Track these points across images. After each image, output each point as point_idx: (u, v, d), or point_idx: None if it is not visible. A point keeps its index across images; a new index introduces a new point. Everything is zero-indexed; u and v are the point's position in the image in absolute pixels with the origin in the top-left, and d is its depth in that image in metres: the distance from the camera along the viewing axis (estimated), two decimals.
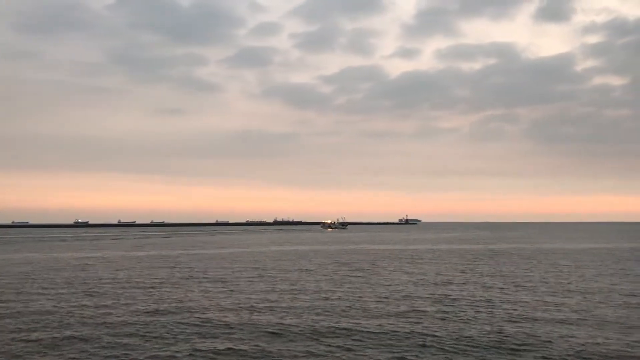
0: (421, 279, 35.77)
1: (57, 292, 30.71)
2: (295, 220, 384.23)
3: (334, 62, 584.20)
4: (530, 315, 22.78)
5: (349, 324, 20.99)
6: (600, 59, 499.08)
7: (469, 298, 27.46)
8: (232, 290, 30.64)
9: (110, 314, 23.62)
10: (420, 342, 18.19)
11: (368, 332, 19.71)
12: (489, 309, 24.13)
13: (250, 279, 36.14)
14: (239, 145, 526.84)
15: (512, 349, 17.26)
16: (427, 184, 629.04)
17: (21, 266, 48.54)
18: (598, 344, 17.82)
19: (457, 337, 18.89)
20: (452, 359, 16.37)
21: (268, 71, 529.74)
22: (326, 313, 23.41)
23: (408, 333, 19.50)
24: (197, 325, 21.12)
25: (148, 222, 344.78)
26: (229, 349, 17.54)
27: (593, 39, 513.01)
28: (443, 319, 21.99)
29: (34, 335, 19.57)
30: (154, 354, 17.04)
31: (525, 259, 54.19)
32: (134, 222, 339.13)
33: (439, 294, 28.76)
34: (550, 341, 18.17)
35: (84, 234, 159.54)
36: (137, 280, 36.18)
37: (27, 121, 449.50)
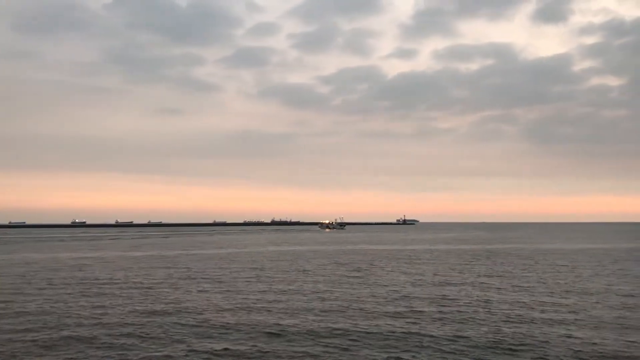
0: (419, 280, 35.78)
1: (55, 292, 30.62)
2: (293, 220, 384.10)
3: (332, 62, 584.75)
4: (527, 315, 22.79)
5: (347, 325, 20.98)
6: (598, 60, 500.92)
7: (467, 298, 27.47)
8: (229, 291, 30.60)
9: (108, 314, 23.56)
10: (418, 343, 18.19)
11: (366, 332, 19.70)
12: (487, 310, 24.14)
13: (248, 280, 36.10)
14: (237, 145, 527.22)
15: (510, 349, 17.27)
16: (425, 184, 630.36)
17: (18, 266, 48.40)
18: (595, 344, 17.84)
19: (454, 337, 18.88)
20: (449, 359, 16.37)
21: (266, 71, 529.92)
22: (324, 313, 23.40)
23: (405, 333, 19.50)
24: (195, 325, 21.09)
25: (146, 222, 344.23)
26: (227, 349, 17.51)
27: (590, 39, 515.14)
28: (440, 319, 21.99)
29: (31, 336, 19.51)
30: (151, 354, 17.00)
31: (522, 259, 54.25)
32: (132, 222, 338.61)
33: (436, 295, 28.76)
34: (547, 341, 18.19)
35: (82, 234, 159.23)
36: (134, 280, 36.12)
37: (26, 121, 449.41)
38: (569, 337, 18.83)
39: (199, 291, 30.56)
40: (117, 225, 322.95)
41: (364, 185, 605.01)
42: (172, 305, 25.81)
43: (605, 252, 65.03)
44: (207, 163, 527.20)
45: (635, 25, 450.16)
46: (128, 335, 19.53)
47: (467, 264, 47.98)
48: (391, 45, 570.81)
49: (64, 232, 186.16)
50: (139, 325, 21.21)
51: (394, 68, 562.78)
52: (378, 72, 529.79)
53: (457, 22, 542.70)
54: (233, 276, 38.32)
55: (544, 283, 33.72)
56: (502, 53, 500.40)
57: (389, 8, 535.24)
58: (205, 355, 16.87)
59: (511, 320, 21.83)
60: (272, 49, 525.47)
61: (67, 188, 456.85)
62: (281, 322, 21.57)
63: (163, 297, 28.28)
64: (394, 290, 30.37)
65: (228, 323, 21.41)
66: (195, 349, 17.58)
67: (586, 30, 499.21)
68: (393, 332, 19.65)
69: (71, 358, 16.71)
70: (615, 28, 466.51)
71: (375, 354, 16.89)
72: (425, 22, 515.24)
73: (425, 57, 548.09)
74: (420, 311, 23.83)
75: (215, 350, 17.41)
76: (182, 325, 21.17)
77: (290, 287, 31.92)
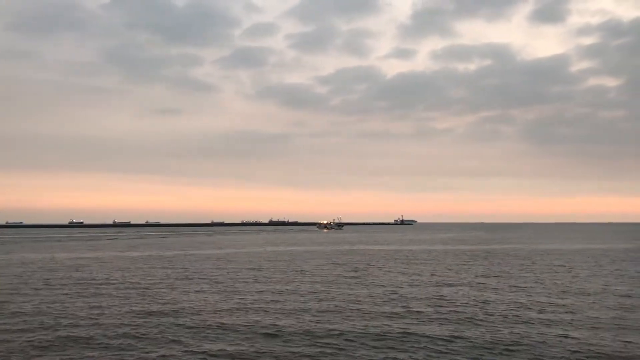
0: (416, 280, 35.77)
1: (51, 292, 30.54)
2: (290, 220, 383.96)
3: (330, 62, 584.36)
4: (524, 315, 22.80)
5: (344, 325, 20.95)
6: (595, 60, 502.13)
7: (464, 299, 27.47)
8: (227, 291, 30.55)
9: (104, 314, 23.50)
10: (415, 343, 18.18)
11: (362, 332, 19.68)
12: (484, 310, 24.14)
13: (245, 280, 36.05)
14: (235, 145, 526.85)
15: (507, 350, 17.26)
16: (423, 184, 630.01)
17: (15, 267, 48.27)
18: (592, 344, 17.85)
19: (451, 337, 18.87)
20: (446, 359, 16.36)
21: (263, 72, 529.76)
22: (321, 314, 23.37)
23: (402, 334, 19.48)
24: (192, 326, 21.03)
25: (143, 222, 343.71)
26: (223, 350, 17.47)
27: (588, 40, 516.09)
28: (438, 320, 21.98)
29: (27, 336, 19.44)
30: (147, 355, 16.96)
31: (520, 259, 54.29)
32: (129, 222, 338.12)
33: (433, 295, 28.75)
34: (544, 342, 18.19)
35: (79, 235, 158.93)
36: (131, 280, 36.04)
37: (25, 121, 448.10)
38: (566, 337, 18.83)
39: (196, 291, 30.50)
40: (115, 225, 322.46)
41: (363, 185, 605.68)
42: (169, 305, 25.75)
43: (603, 253, 65.12)
44: (205, 163, 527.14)
45: (633, 26, 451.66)
46: (125, 335, 19.47)
47: (464, 264, 47.99)
48: (389, 46, 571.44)
49: (61, 233, 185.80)
50: (136, 325, 21.15)
51: (393, 68, 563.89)
52: (376, 73, 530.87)
53: (455, 22, 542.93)
54: (230, 276, 38.27)
55: (541, 283, 33.74)
56: (500, 53, 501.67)
57: (387, 8, 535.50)
58: (202, 356, 16.82)
59: (508, 320, 21.83)
60: (270, 49, 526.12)
61: (66, 188, 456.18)
62: (278, 322, 21.54)
63: (160, 298, 28.22)
64: (391, 291, 30.35)
65: (225, 323, 21.37)
66: (192, 349, 17.54)
67: (584, 30, 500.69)
68: (390, 333, 19.63)
69: (68, 359, 16.66)
70: (613, 29, 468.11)
71: (372, 354, 16.87)
72: (423, 23, 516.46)
73: (424, 57, 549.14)
74: (417, 311, 23.82)
75: (212, 350, 17.37)
76: (179, 325, 21.12)
77: (288, 288, 31.88)
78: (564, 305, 25.32)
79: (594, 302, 26.21)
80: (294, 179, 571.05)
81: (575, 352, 16.97)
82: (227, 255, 62.40)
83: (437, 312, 23.77)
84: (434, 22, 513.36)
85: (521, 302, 26.25)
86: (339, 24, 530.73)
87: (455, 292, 29.76)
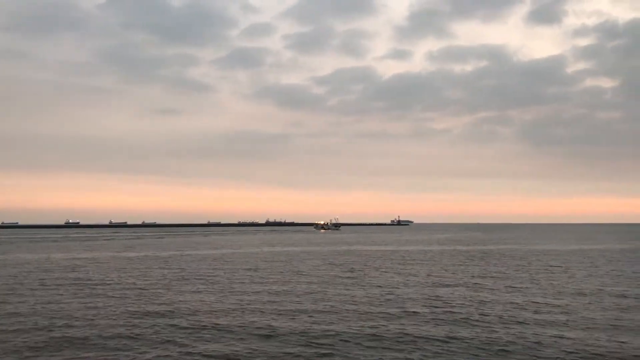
0: (412, 280, 35.79)
1: (47, 293, 30.42)
2: (287, 221, 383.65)
3: (327, 63, 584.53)
4: (520, 316, 22.83)
5: (340, 326, 20.94)
6: (591, 62, 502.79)
7: (460, 299, 27.50)
8: (223, 292, 30.50)
9: (100, 315, 23.42)
10: (411, 343, 18.18)
11: (359, 333, 19.67)
12: (480, 310, 24.17)
13: (242, 281, 36.00)
14: (233, 146, 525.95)
15: (502, 350, 17.29)
16: (420, 184, 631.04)
17: (10, 267, 48.08)
18: (588, 345, 17.89)
19: (447, 338, 18.89)
20: None
21: (261, 72, 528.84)
22: (317, 314, 23.35)
23: (398, 334, 19.48)
24: (187, 327, 20.99)
25: (140, 222, 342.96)
26: (219, 350, 17.44)
27: (584, 41, 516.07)
28: (433, 320, 21.99)
29: (22, 337, 19.36)
30: (143, 355, 16.91)
31: (516, 260, 54.39)
32: (126, 222, 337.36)
33: (429, 295, 28.77)
34: (540, 342, 18.22)
35: (75, 235, 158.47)
36: (127, 281, 35.95)
37: (22, 121, 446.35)
38: (562, 337, 18.87)
39: (193, 292, 30.45)
40: (111, 225, 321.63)
41: (360, 186, 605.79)
42: (165, 306, 25.70)
43: (600, 253, 65.30)
44: (202, 163, 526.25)
45: (628, 28, 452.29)
46: (120, 336, 19.41)
47: (461, 265, 48.05)
48: (386, 47, 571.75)
49: (57, 233, 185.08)
50: (132, 326, 21.09)
51: (389, 69, 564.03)
52: (373, 73, 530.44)
53: (452, 23, 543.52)
54: (227, 277, 38.21)
55: (537, 284, 33.81)
56: (496, 54, 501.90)
57: (383, 9, 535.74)
58: (198, 357, 16.79)
59: (504, 321, 21.86)
60: (267, 50, 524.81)
61: (64, 188, 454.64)
62: (274, 323, 21.51)
63: (156, 298, 28.15)
64: (387, 291, 30.36)
65: (221, 324, 21.34)
66: (188, 350, 17.50)
67: (580, 32, 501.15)
68: (386, 333, 19.63)
69: (63, 359, 16.59)
70: (609, 30, 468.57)
71: (368, 355, 16.86)
72: (420, 23, 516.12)
73: (420, 58, 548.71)
74: (413, 312, 23.83)
75: (208, 351, 17.33)
76: (175, 326, 21.07)
77: (284, 288, 31.85)
78: (559, 306, 25.37)
79: (589, 303, 26.26)
80: (291, 180, 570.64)
81: (570, 352, 17.00)
82: (224, 255, 62.30)
83: (433, 312, 23.78)
84: (431, 23, 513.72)
85: (517, 303, 26.29)
86: (335, 24, 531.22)
87: (451, 293, 29.78)
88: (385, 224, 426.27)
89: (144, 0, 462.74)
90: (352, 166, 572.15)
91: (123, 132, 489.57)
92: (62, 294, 29.93)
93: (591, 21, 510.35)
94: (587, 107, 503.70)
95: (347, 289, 31.33)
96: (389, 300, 27.34)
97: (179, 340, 18.83)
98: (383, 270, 43.49)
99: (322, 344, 18.14)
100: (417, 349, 17.59)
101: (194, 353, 17.17)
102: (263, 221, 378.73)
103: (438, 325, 21.11)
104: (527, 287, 32.09)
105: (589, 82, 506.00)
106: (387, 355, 16.85)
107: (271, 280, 36.28)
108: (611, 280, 35.65)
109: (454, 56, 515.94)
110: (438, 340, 18.65)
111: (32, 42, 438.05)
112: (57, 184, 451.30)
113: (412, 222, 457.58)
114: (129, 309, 24.96)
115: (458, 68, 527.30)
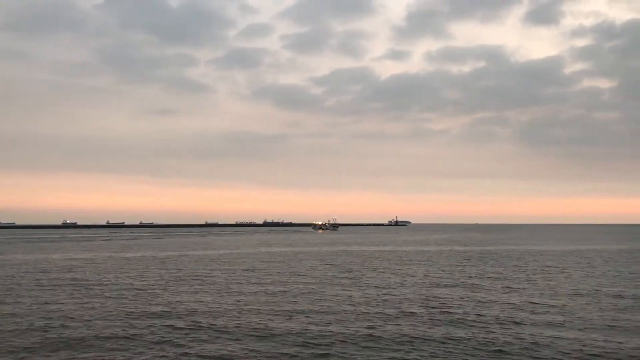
0: (410, 281, 35.81)
1: (43, 293, 30.36)
2: (285, 221, 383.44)
3: (325, 63, 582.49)
4: (517, 316, 22.86)
5: (337, 326, 20.94)
6: (589, 62, 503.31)
7: (457, 300, 27.51)
8: (220, 292, 30.47)
9: (97, 315, 23.37)
10: (408, 344, 18.18)
11: (356, 334, 19.66)
12: (477, 311, 24.18)
13: (239, 281, 35.97)
14: (230, 146, 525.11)
15: (499, 351, 17.30)
16: (418, 185, 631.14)
17: (7, 267, 47.96)
18: (584, 345, 17.91)
19: (444, 338, 18.90)
20: None
21: (259, 72, 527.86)
22: (314, 315, 23.34)
23: (396, 335, 19.48)
24: (184, 327, 20.96)
25: (137, 222, 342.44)
26: (217, 351, 17.42)
27: (581, 42, 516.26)
28: (431, 321, 22.00)
29: (18, 337, 19.31)
30: (140, 356, 16.87)
31: (514, 260, 54.47)
32: (123, 223, 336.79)
33: (427, 296, 28.79)
34: (536, 342, 18.24)
35: (73, 235, 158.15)
36: (124, 282, 35.89)
37: (23, 121, 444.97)
38: (558, 338, 18.89)
39: (190, 292, 30.41)
40: (109, 226, 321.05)
41: (358, 186, 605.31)
42: (162, 306, 25.66)
43: (597, 254, 65.43)
44: (200, 164, 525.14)
45: (626, 28, 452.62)
46: (117, 336, 19.37)
47: (458, 265, 48.09)
48: (384, 47, 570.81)
49: (54, 233, 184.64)
50: (128, 326, 21.05)
51: (387, 69, 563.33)
52: (371, 74, 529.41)
53: (449, 24, 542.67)
54: (224, 277, 38.18)
55: (534, 284, 33.86)
56: (494, 55, 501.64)
57: (381, 10, 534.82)
58: (195, 357, 16.77)
59: (501, 321, 21.87)
60: (264, 50, 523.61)
61: (63, 188, 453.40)
62: (271, 323, 21.50)
63: (153, 299, 28.11)
64: (384, 292, 30.37)
65: (218, 325, 21.31)
66: (185, 350, 17.48)
67: (577, 32, 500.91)
68: (383, 334, 19.63)
69: None
70: (606, 31, 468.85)
71: (365, 355, 16.85)
72: (418, 24, 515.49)
73: (418, 58, 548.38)
74: (410, 312, 23.84)
75: (205, 351, 17.31)
76: (172, 327, 21.03)
77: (281, 289, 31.84)
78: (556, 306, 25.40)
79: (586, 303, 26.31)
80: (289, 180, 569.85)
81: (567, 353, 17.02)
82: (221, 256, 62.25)
83: (430, 313, 23.79)
84: (429, 23, 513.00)
85: (514, 303, 26.32)
86: (333, 25, 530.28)
87: (448, 293, 29.80)
88: (383, 225, 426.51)
89: (143, 1, 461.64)
90: (350, 166, 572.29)
91: (121, 132, 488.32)
92: (59, 295, 29.86)
93: (589, 22, 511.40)
94: (584, 107, 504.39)
95: (345, 290, 31.33)
96: (386, 300, 27.34)
97: (176, 340, 18.80)
98: (380, 270, 43.51)
99: (319, 345, 18.13)
100: (414, 349, 17.60)
101: (191, 354, 17.14)
102: (261, 221, 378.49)
103: (435, 325, 21.12)
104: (524, 288, 32.13)
105: (587, 83, 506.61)
106: (384, 355, 16.85)
107: (268, 280, 36.26)
108: (608, 281, 35.72)
109: (452, 57, 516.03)
110: (435, 340, 18.66)
111: (31, 42, 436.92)
112: (56, 184, 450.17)
113: (409, 222, 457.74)
114: (126, 309, 24.92)
115: (456, 69, 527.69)
